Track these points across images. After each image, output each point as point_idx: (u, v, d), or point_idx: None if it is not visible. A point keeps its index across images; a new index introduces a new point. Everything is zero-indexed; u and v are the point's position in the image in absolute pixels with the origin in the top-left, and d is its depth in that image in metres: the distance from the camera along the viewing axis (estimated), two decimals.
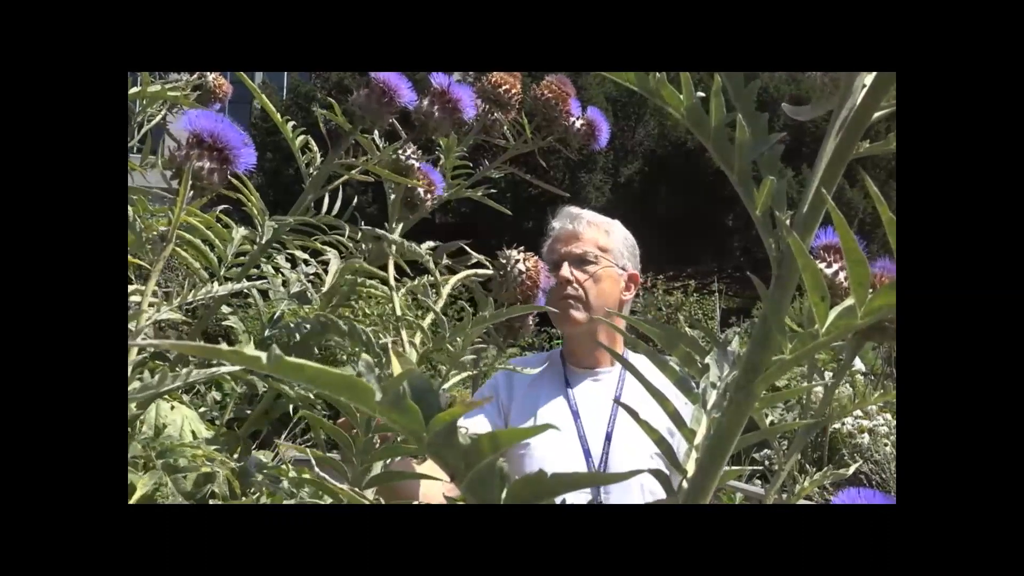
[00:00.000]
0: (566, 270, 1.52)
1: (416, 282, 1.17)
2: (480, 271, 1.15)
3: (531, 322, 1.23)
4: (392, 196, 1.17)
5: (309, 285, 1.11)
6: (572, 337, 1.56)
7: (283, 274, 1.13)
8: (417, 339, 1.04)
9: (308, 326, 1.08)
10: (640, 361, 0.67)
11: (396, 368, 0.36)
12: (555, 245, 1.58)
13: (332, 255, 1.12)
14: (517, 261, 1.13)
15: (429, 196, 1.16)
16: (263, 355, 0.26)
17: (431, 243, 1.14)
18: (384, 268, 1.16)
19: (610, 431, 1.46)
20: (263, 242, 1.04)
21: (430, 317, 1.07)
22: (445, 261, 1.13)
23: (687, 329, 0.61)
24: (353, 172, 1.11)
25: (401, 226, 1.19)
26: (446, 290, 1.10)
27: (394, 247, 1.09)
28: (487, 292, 1.10)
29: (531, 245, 1.38)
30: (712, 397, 0.47)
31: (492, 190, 1.30)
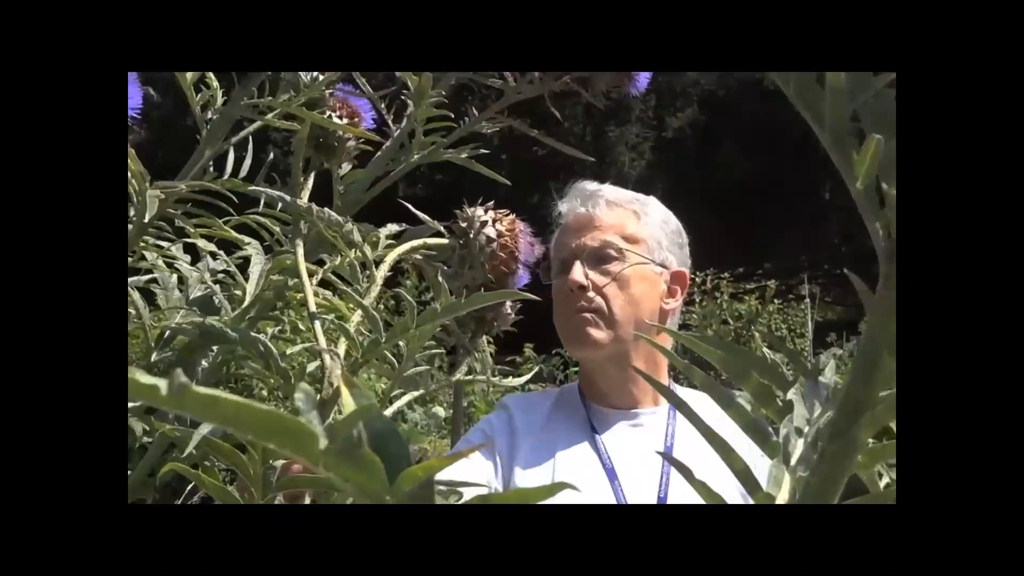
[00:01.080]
0: (579, 271, 1.47)
1: (338, 261, 1.09)
2: (432, 241, 1.10)
3: (509, 310, 1.20)
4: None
5: (217, 288, 1.10)
6: (593, 365, 1.53)
7: (179, 270, 1.12)
8: (341, 348, 0.98)
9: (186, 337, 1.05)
10: (696, 398, 0.67)
11: (346, 403, 0.36)
12: (564, 238, 1.54)
13: (253, 248, 1.08)
14: (484, 224, 1.05)
15: (350, 135, 1.13)
16: (162, 384, 0.26)
17: (394, 226, 1.13)
18: (319, 263, 1.14)
19: (663, 495, 1.40)
20: (143, 221, 1.01)
21: (358, 315, 1.00)
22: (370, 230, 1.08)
23: (764, 351, 0.62)
24: (269, 117, 1.09)
25: (313, 178, 1.16)
26: (382, 271, 1.03)
27: (315, 216, 1.03)
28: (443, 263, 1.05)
29: (540, 227, 1.37)
30: (798, 448, 0.48)
31: (483, 151, 1.29)
